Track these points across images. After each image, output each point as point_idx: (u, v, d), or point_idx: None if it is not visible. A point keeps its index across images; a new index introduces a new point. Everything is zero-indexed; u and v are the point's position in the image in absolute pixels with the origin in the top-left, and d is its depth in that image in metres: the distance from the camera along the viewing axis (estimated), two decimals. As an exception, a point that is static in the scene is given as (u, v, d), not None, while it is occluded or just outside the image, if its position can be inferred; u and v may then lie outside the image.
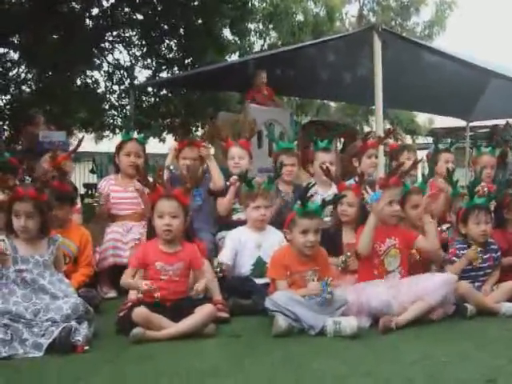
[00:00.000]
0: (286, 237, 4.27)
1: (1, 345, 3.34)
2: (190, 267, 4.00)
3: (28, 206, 3.75)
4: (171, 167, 5.51)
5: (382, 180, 4.48)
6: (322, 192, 5.41)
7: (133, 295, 4.10)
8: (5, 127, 14.30)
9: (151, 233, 4.12)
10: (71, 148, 7.61)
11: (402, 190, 4.58)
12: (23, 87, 16.04)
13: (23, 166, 5.72)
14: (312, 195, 4.16)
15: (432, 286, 4.02)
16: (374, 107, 8.18)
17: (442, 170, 5.88)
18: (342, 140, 12.31)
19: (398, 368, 3.19)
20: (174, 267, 3.89)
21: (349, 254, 4.52)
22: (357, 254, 4.37)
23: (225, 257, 4.70)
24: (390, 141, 7.06)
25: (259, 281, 4.55)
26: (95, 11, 15.28)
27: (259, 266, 4.64)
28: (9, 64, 15.52)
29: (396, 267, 4.29)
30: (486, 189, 5.11)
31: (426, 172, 5.18)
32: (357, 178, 4.88)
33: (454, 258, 4.49)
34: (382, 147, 6.71)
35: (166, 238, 3.90)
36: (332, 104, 23.70)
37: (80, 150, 5.90)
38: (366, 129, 21.97)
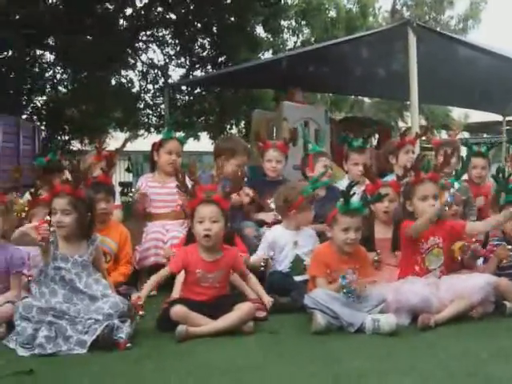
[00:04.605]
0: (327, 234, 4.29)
1: (46, 341, 3.42)
2: (232, 270, 4.05)
3: (63, 202, 3.78)
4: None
5: (414, 176, 4.46)
6: (356, 189, 5.43)
7: (176, 294, 4.15)
8: (42, 128, 14.50)
9: (190, 240, 4.15)
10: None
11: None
12: (59, 88, 16.28)
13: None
14: (354, 193, 4.16)
15: (473, 286, 3.97)
16: (408, 102, 8.13)
17: (470, 175, 5.86)
18: (377, 136, 12.29)
19: (438, 364, 3.17)
20: (214, 275, 3.91)
21: (379, 251, 4.53)
22: (393, 249, 4.39)
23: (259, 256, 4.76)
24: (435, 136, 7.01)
25: (297, 278, 4.58)
26: (129, 11, 15.45)
27: (297, 264, 4.67)
28: (45, 65, 15.75)
29: (437, 266, 4.24)
30: None
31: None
32: (396, 175, 4.89)
33: (491, 255, 4.47)
34: (418, 143, 6.66)
35: (206, 244, 3.90)
36: (366, 100, 23.61)
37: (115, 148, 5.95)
38: (401, 124, 21.83)
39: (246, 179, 5.58)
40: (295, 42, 17.31)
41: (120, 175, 16.20)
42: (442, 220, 4.33)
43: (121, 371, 3.16)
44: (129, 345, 3.48)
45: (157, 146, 5.64)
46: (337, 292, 3.90)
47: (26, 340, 3.45)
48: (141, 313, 3.72)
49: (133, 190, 5.48)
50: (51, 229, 3.69)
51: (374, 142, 12.18)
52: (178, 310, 3.68)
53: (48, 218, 3.76)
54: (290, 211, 4.79)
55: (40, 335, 3.44)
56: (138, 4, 15.19)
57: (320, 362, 3.24)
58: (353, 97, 20.08)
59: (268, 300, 4.10)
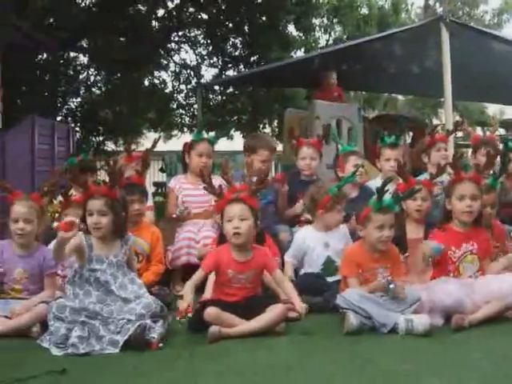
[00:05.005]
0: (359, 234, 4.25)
1: (79, 341, 3.45)
2: (264, 270, 4.02)
3: (99, 204, 3.82)
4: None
5: (454, 174, 4.38)
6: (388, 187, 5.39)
7: (208, 294, 4.14)
8: (76, 129, 14.65)
9: (222, 241, 4.14)
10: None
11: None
12: (93, 89, 16.45)
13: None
14: (388, 190, 4.13)
15: (509, 287, 3.88)
16: (442, 99, 8.04)
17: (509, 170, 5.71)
18: (411, 134, 12.17)
19: (473, 366, 3.12)
20: (246, 275, 3.90)
21: (407, 254, 4.45)
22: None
23: (290, 256, 4.76)
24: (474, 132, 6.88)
25: (329, 279, 4.56)
26: (161, 12, 15.53)
27: (328, 266, 4.64)
28: (78, 67, 15.94)
29: (473, 273, 4.16)
30: None
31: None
32: (429, 174, 4.83)
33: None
34: (451, 140, 6.57)
35: (236, 241, 3.87)
36: (400, 97, 23.41)
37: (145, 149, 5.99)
38: (435, 122, 21.59)
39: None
40: (327, 40, 17.23)
41: (154, 175, 16.35)
42: (480, 227, 4.27)
43: (153, 371, 3.16)
44: (161, 345, 3.49)
45: (187, 148, 5.65)
46: (372, 291, 3.89)
47: (59, 340, 3.48)
48: (189, 315, 3.61)
49: (181, 207, 5.43)
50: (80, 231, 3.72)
51: (409, 139, 12.06)
52: (211, 312, 3.66)
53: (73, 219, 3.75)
54: (316, 211, 4.76)
55: (73, 335, 3.47)
56: (170, 5, 15.28)
57: (352, 363, 3.21)
58: (386, 94, 19.91)
59: (301, 306, 3.96)
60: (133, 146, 6.04)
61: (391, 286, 3.82)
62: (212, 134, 6.09)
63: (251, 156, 5.67)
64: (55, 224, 3.82)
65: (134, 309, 3.62)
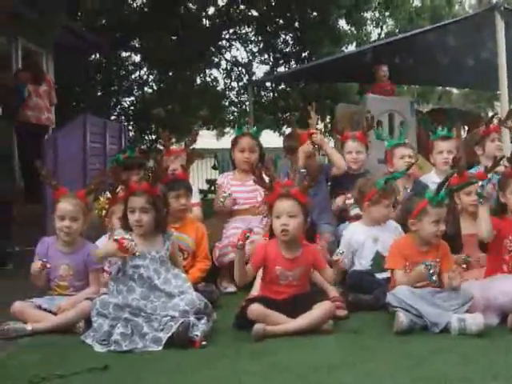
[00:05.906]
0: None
1: (122, 338, 3.43)
2: (312, 267, 3.94)
3: (141, 201, 3.80)
4: (302, 170, 5.32)
5: (508, 168, 4.21)
6: (435, 177, 5.30)
7: (255, 291, 4.08)
8: (129, 127, 14.83)
9: (272, 235, 4.06)
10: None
11: None
12: (145, 88, 16.62)
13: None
14: (445, 183, 4.03)
15: None
16: (498, 92, 7.83)
17: None
18: (466, 128, 11.89)
19: (529, 369, 2.97)
20: (294, 272, 3.80)
21: (469, 258, 4.31)
22: (482, 248, 4.17)
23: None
24: None
25: (379, 275, 4.43)
26: (211, 10, 15.62)
27: (378, 261, 4.50)
28: (131, 67, 16.14)
29: None
30: None
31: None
32: (484, 167, 4.65)
33: None
34: (507, 131, 6.33)
35: (284, 238, 3.78)
36: (454, 91, 22.96)
37: (202, 146, 5.97)
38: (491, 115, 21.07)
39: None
40: (379, 34, 17.04)
41: (207, 173, 16.43)
42: None
43: (196, 369, 3.12)
44: (204, 343, 3.43)
45: (232, 145, 5.62)
46: (417, 276, 3.81)
47: (102, 336, 3.47)
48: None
49: (224, 193, 5.37)
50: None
51: (464, 134, 11.79)
52: (255, 309, 3.60)
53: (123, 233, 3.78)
54: (363, 203, 4.65)
55: (116, 332, 3.45)
56: (220, 3, 15.36)
57: (401, 364, 3.09)
58: (440, 88, 19.55)
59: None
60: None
61: (431, 271, 3.73)
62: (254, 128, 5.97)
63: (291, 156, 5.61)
64: (116, 237, 3.79)
65: (177, 305, 3.58)
